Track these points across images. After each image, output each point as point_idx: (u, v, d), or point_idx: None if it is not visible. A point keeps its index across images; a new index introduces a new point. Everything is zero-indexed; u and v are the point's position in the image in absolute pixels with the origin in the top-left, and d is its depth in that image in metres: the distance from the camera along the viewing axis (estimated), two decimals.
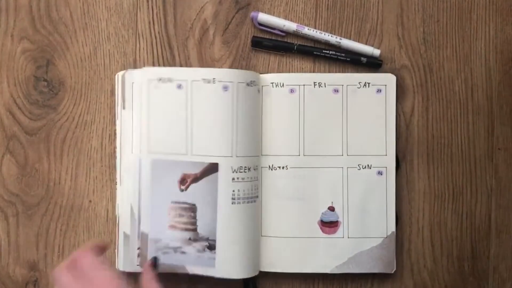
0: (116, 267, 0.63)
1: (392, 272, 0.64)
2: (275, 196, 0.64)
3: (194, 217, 0.62)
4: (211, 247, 0.62)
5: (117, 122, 0.64)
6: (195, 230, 0.62)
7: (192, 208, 0.62)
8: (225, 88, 0.61)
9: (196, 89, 0.62)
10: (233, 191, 0.61)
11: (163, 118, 0.62)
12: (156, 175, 0.62)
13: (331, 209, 0.64)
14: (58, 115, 0.65)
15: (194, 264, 0.62)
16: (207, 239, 0.62)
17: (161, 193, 0.62)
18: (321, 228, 0.64)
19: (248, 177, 0.62)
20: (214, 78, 0.61)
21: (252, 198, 0.62)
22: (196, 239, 0.62)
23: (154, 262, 0.61)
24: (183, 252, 0.62)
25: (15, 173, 0.65)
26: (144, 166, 0.62)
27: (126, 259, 0.63)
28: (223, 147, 0.61)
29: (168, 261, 0.62)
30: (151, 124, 0.62)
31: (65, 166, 0.65)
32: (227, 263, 0.62)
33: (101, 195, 0.65)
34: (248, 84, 0.62)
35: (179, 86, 0.62)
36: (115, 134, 0.64)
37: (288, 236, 0.64)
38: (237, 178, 0.61)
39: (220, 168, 0.61)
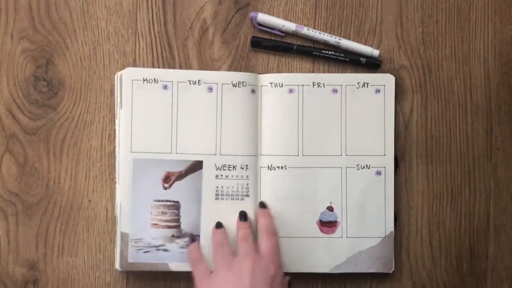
0: (115, 267, 0.63)
1: (391, 272, 0.64)
2: (273, 196, 0.64)
3: (178, 214, 0.63)
4: (194, 241, 0.62)
5: (116, 122, 0.64)
6: (178, 227, 0.63)
7: (176, 206, 0.63)
8: (210, 89, 0.63)
9: (181, 90, 0.63)
10: (217, 187, 0.63)
11: (147, 117, 0.63)
12: (137, 174, 0.63)
13: (330, 209, 0.64)
14: (57, 115, 0.65)
15: (177, 260, 0.63)
16: (190, 235, 0.63)
17: (143, 192, 0.63)
18: (320, 228, 0.64)
19: (233, 175, 0.63)
20: (199, 80, 0.63)
21: (239, 196, 0.63)
22: (179, 235, 0.63)
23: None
24: (166, 250, 0.63)
25: (15, 173, 0.65)
26: (126, 165, 0.63)
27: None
28: (206, 145, 0.63)
29: (149, 259, 0.63)
30: (135, 123, 0.63)
31: (64, 166, 0.65)
32: (210, 258, 0.62)
33: (101, 194, 0.65)
34: (234, 85, 0.62)
35: (165, 87, 0.63)
36: (114, 133, 0.64)
37: (287, 236, 0.64)
38: (221, 175, 0.63)
39: (204, 165, 0.63)
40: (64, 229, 0.65)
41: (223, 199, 0.63)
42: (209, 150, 0.63)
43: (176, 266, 0.63)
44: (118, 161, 0.64)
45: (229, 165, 0.63)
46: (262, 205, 0.63)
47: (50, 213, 0.65)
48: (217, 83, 0.63)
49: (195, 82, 0.63)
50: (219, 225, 0.63)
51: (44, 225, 0.65)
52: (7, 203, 0.65)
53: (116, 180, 0.64)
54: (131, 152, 0.63)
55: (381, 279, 0.65)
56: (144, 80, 0.63)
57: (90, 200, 0.65)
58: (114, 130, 0.64)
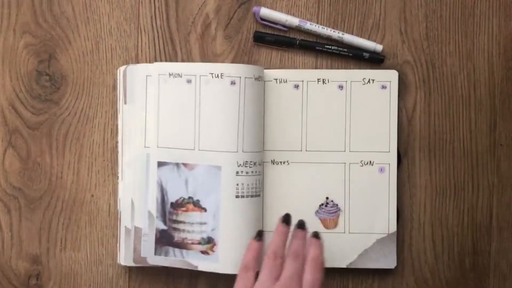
0: (118, 261, 0.64)
1: (393, 267, 0.64)
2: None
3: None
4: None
5: (119, 117, 0.64)
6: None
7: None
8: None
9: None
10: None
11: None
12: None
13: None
14: (60, 110, 0.65)
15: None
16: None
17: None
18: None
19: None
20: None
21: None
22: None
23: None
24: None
25: (18, 167, 0.65)
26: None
27: (127, 253, 0.63)
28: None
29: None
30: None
31: (67, 161, 0.65)
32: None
33: (103, 189, 0.65)
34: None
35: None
36: (117, 128, 0.64)
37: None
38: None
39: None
40: (67, 223, 0.65)
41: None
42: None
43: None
44: (121, 156, 0.64)
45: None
46: (316, 235, 0.58)
47: (52, 208, 0.65)
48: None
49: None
50: (259, 237, 0.58)
51: (47, 219, 0.65)
52: (10, 197, 0.65)
53: (119, 175, 0.64)
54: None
55: (383, 275, 0.65)
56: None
57: (92, 195, 0.65)
58: (117, 125, 0.64)
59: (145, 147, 0.63)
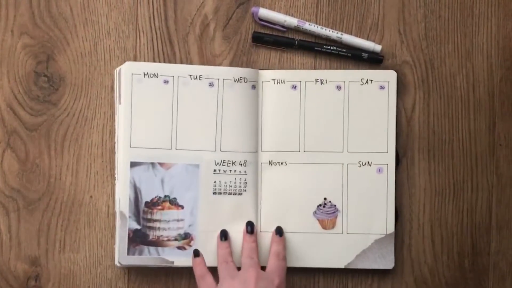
0: (116, 262, 0.63)
1: (391, 268, 0.64)
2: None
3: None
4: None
5: (116, 118, 0.64)
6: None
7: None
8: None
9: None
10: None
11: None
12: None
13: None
14: (58, 111, 0.65)
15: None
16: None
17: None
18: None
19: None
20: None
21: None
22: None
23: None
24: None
25: (16, 169, 0.65)
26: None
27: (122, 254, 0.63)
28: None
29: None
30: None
31: (65, 162, 0.65)
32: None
33: (102, 190, 0.65)
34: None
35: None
36: (115, 129, 0.64)
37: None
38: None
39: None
40: (66, 225, 0.65)
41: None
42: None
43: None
44: (117, 157, 0.63)
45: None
46: (279, 231, 0.63)
47: (51, 209, 0.65)
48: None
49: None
50: (224, 237, 0.62)
51: (46, 221, 0.65)
52: (9, 199, 0.65)
53: (116, 176, 0.64)
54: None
55: (383, 275, 0.65)
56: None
57: (91, 196, 0.65)
58: (115, 126, 0.64)
59: (123, 147, 0.63)
